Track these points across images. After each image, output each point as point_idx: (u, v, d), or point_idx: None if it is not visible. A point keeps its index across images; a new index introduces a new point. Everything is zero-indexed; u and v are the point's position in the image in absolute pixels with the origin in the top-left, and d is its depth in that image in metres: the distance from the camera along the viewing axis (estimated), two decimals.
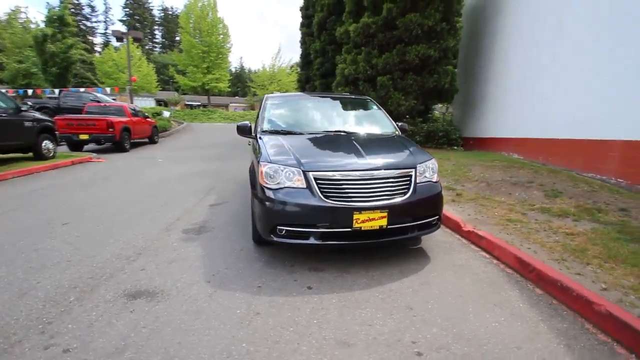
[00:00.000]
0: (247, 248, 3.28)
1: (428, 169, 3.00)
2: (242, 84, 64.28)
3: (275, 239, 2.74)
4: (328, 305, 2.29)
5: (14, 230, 3.72)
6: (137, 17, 68.49)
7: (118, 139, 10.65)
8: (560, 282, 2.38)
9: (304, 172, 2.71)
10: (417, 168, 2.90)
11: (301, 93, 5.59)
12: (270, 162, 2.84)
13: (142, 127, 12.69)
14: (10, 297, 2.35)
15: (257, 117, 4.93)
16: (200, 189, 5.94)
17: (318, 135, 3.54)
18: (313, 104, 4.28)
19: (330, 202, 2.62)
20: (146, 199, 5.15)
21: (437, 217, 2.99)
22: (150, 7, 73.39)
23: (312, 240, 2.68)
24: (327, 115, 4.03)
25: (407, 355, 1.80)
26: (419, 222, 2.86)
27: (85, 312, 2.19)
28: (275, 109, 4.00)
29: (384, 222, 2.66)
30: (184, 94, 45.41)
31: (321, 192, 2.64)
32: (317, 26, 13.73)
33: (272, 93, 4.30)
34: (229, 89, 37.88)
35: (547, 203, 4.51)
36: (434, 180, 3.04)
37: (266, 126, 3.71)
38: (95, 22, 65.58)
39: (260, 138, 3.47)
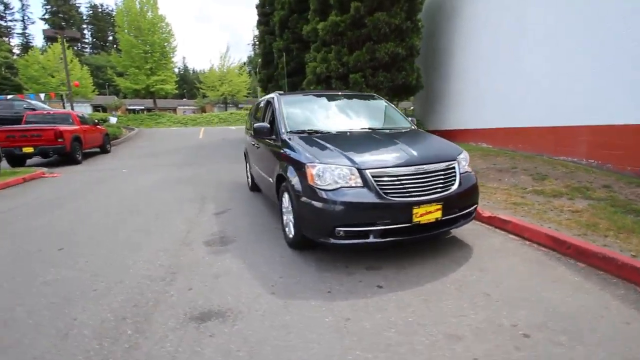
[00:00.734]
0: (287, 254, 3.14)
1: (465, 160, 3.13)
2: (189, 85, 61.09)
3: (333, 241, 2.66)
4: (410, 301, 2.28)
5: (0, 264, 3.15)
6: (62, 15, 61.36)
7: (69, 150, 9.51)
8: (602, 254, 2.63)
9: (359, 170, 2.66)
10: (458, 159, 3.01)
11: (308, 92, 5.41)
12: (321, 163, 2.75)
13: (93, 136, 11.47)
14: (52, 342, 1.98)
15: (259, 118, 4.73)
16: (191, 198, 5.55)
17: (350, 133, 3.50)
18: (328, 103, 4.21)
19: (390, 199, 2.60)
20: (135, 213, 4.68)
21: (475, 205, 3.13)
22: (77, 5, 66.35)
23: (372, 239, 2.65)
24: (346, 112, 3.99)
25: (517, 338, 1.87)
26: (464, 212, 2.97)
27: (156, 344, 1.92)
28: (293, 109, 3.86)
29: (439, 214, 2.72)
30: (125, 97, 41.93)
31: (380, 189, 2.62)
32: (278, 24, 13.49)
33: (278, 93, 4.11)
34: (176, 91, 35.74)
35: (537, 186, 4.94)
36: (469, 170, 3.18)
37: (290, 127, 3.57)
38: (11, 21, 57.66)
39: (289, 139, 3.34)
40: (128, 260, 3.11)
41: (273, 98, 4.18)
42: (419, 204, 2.64)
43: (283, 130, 3.53)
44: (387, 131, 3.66)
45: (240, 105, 41.38)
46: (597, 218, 3.52)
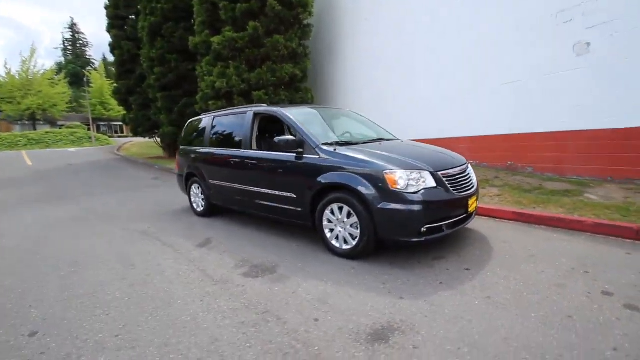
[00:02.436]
0: (355, 264, 3.15)
1: None
2: None
3: (422, 239, 2.94)
4: (515, 270, 2.83)
5: None
6: None
7: None
8: (555, 217, 3.94)
9: (432, 173, 3.05)
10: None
11: (303, 105, 5.08)
12: (399, 168, 2.98)
13: None
14: None
15: (219, 134, 4.32)
16: (138, 235, 4.43)
17: (381, 142, 3.81)
18: (329, 115, 4.30)
19: (457, 195, 3.11)
20: (89, 267, 3.44)
21: None
22: None
23: (445, 231, 3.08)
24: (352, 125, 4.23)
25: (573, 273, 2.70)
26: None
27: None
28: (309, 123, 3.82)
29: (476, 204, 3.43)
30: None
31: (450, 187, 3.09)
32: (148, 31, 11.84)
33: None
34: None
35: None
36: None
37: (322, 138, 3.57)
38: None
39: (333, 150, 3.37)
40: (183, 316, 2.38)
41: (277, 111, 4.01)
42: (469, 196, 3.26)
43: (317, 143, 3.50)
44: (399, 140, 4.16)
45: (59, 123, 32.45)
46: (517, 198, 5.07)
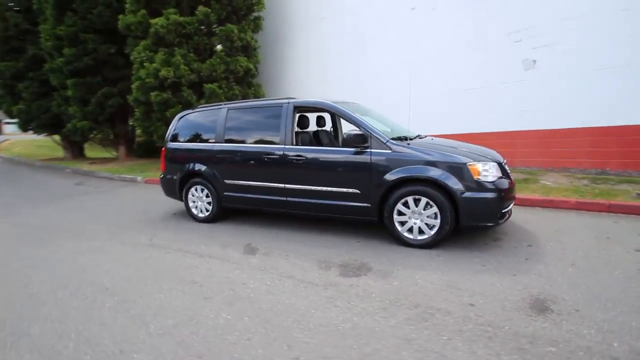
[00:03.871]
0: (441, 253, 3.32)
1: None
2: None
3: (500, 222, 3.31)
4: (544, 240, 3.40)
5: None
6: None
7: None
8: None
9: (499, 164, 3.44)
10: None
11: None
12: (479, 161, 3.28)
13: None
14: None
15: (283, 127, 4.00)
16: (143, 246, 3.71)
17: (432, 138, 4.08)
18: (356, 110, 4.29)
19: (512, 182, 3.57)
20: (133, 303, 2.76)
21: None
22: None
23: (506, 215, 3.51)
24: (378, 118, 4.29)
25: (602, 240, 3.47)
26: None
27: None
28: (368, 119, 3.82)
29: None
30: None
31: (509, 177, 3.53)
32: (54, 3, 9.48)
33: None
34: None
35: None
36: None
37: (388, 134, 3.63)
38: None
39: (407, 145, 3.47)
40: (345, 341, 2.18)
41: (331, 105, 3.89)
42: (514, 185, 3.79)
43: (387, 137, 3.54)
44: (424, 135, 4.47)
45: None
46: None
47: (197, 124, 4.81)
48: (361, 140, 3.53)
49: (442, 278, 2.80)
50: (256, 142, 4.31)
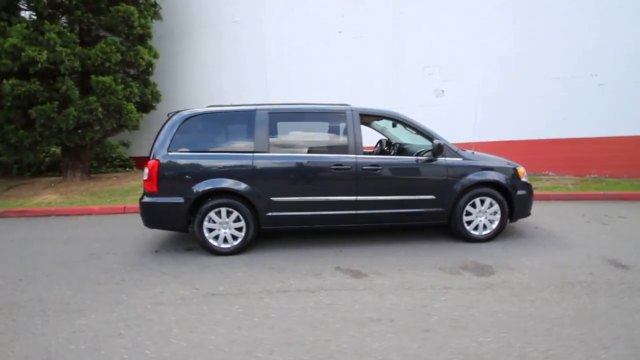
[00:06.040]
0: (507, 245, 3.90)
1: None
2: None
3: (529, 215, 4.21)
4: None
5: None
6: None
7: None
8: None
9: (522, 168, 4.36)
10: None
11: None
12: (519, 165, 4.08)
13: None
14: None
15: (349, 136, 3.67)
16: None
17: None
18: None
19: None
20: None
21: None
22: None
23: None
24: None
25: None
26: None
27: None
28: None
29: None
30: None
31: None
32: None
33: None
34: None
35: None
36: None
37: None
38: None
39: (472, 153, 3.94)
40: None
41: (397, 114, 3.85)
42: None
43: (456, 147, 3.88)
44: None
45: None
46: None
47: (216, 129, 3.68)
48: (439, 151, 3.74)
49: (544, 258, 3.37)
50: (310, 152, 3.75)
